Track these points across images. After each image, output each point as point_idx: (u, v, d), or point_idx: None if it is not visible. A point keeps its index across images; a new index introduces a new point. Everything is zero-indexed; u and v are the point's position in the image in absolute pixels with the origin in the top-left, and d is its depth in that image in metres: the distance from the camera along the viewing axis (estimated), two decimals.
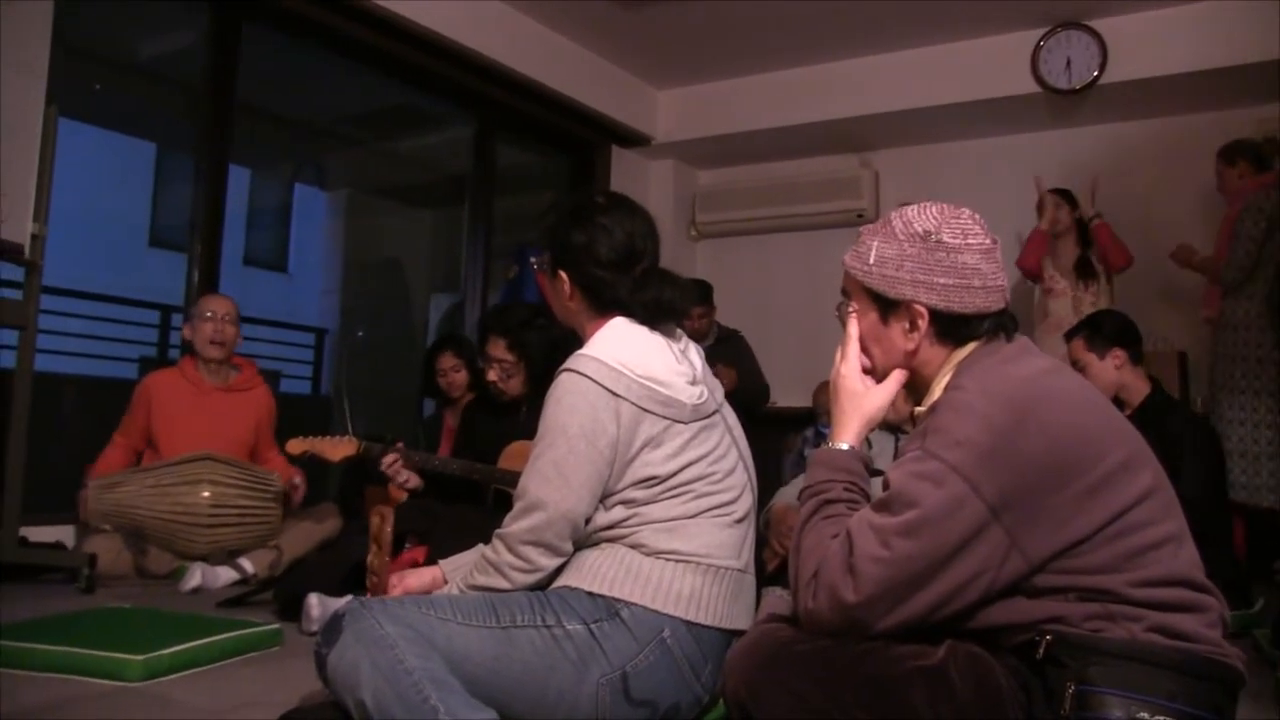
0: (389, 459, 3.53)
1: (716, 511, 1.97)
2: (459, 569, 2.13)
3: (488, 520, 2.07)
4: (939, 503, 1.42)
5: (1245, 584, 3.69)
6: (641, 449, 1.92)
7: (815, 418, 5.80)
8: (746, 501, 2.04)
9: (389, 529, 2.25)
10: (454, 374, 4.38)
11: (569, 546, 1.94)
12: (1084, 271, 5.31)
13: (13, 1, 3.55)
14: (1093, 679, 1.38)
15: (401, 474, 3.53)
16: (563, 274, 2.10)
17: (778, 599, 2.68)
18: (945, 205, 1.65)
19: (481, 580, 1.95)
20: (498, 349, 3.52)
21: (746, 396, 5.56)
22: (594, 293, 2.07)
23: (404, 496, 3.71)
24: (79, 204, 9.49)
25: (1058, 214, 5.39)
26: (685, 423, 1.95)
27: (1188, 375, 5.48)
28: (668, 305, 2.07)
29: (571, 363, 1.95)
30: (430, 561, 2.52)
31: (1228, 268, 4.78)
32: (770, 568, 2.99)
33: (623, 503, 1.94)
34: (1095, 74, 5.52)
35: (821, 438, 5.20)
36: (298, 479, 4.30)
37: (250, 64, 5.08)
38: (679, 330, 2.14)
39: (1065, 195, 5.43)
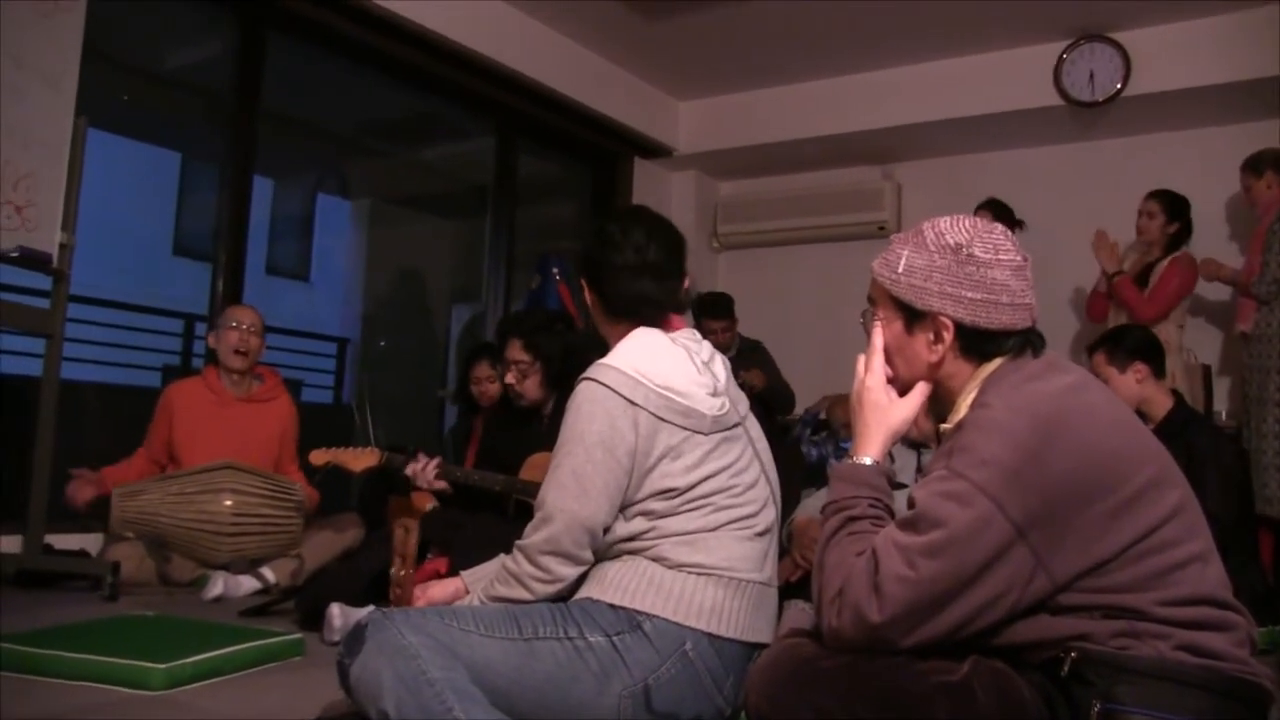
0: (417, 463, 3.55)
1: (738, 524, 1.96)
2: (480, 580, 2.13)
3: (510, 531, 2.07)
4: (965, 523, 1.41)
5: (1273, 600, 3.65)
6: (660, 459, 1.93)
7: (832, 430, 5.78)
8: (769, 515, 2.04)
9: (414, 541, 2.26)
10: (488, 384, 4.39)
11: (589, 555, 1.95)
12: (1146, 283, 5.21)
13: (44, 14, 3.58)
14: (1119, 697, 1.37)
15: (429, 471, 3.54)
16: (583, 283, 2.17)
17: (800, 612, 2.68)
18: (978, 219, 1.64)
19: (502, 591, 1.96)
20: (514, 350, 3.53)
21: (772, 399, 5.60)
22: (606, 300, 2.13)
23: (428, 506, 3.71)
24: (104, 213, 9.57)
25: (1148, 225, 5.16)
26: (705, 434, 1.96)
27: (1211, 389, 5.43)
28: (642, 298, 2.09)
29: (590, 372, 1.97)
30: (453, 572, 2.53)
31: (1260, 280, 4.72)
32: (793, 579, 2.98)
33: (642, 514, 1.94)
34: (1118, 86, 5.50)
35: (843, 450, 5.18)
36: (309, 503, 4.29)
37: (275, 74, 5.12)
38: (706, 342, 2.15)
39: (1165, 202, 5.16)
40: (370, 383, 9.46)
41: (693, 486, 1.93)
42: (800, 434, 5.78)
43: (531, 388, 3.53)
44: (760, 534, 2.00)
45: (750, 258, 7.40)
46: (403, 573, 2.26)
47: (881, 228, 6.63)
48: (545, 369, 3.50)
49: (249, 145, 4.97)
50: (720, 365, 2.13)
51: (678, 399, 1.94)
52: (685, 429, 1.94)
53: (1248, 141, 5.26)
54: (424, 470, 3.55)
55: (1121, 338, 3.88)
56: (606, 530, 1.95)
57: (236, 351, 4.29)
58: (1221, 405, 5.57)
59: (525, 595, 1.93)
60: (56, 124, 3.67)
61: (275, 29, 5.05)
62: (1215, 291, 5.46)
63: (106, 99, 7.99)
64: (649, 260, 2.09)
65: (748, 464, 2.03)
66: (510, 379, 3.55)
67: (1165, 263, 5.09)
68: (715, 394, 2.02)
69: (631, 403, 1.91)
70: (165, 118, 9.93)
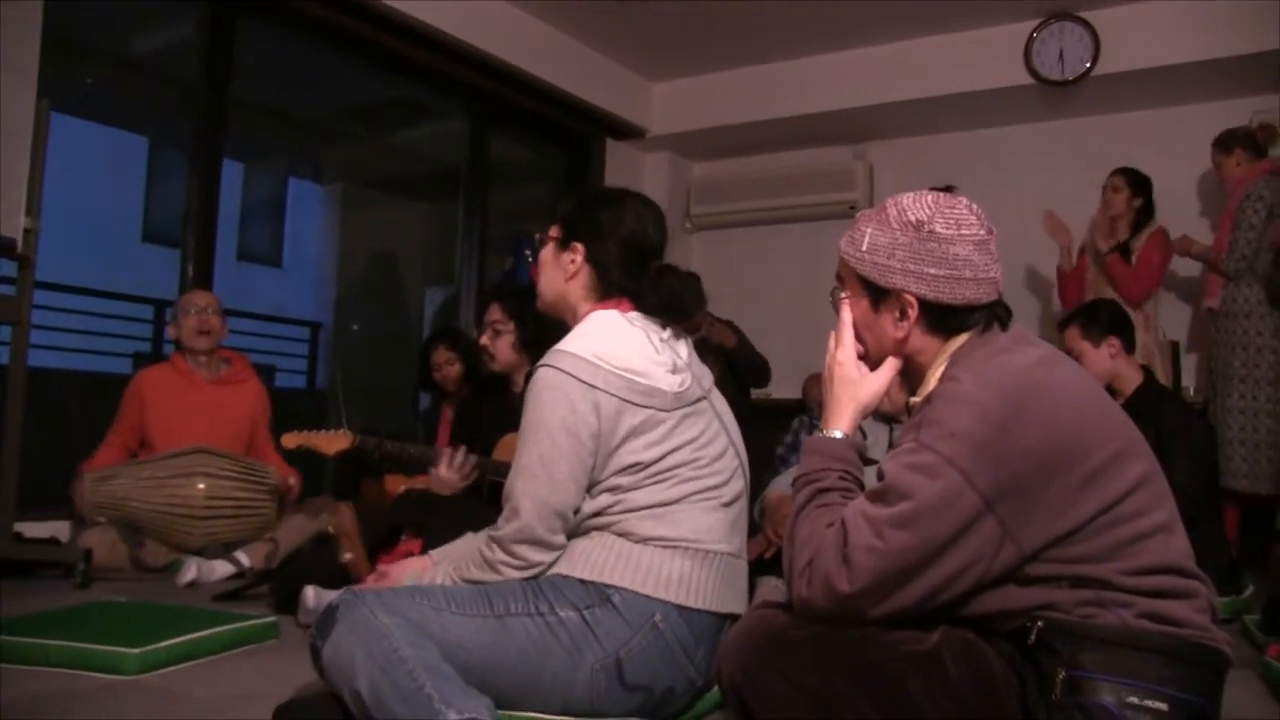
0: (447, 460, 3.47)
1: (703, 495, 1.97)
2: (447, 558, 2.13)
3: (484, 512, 2.08)
4: (933, 495, 1.43)
5: (1236, 570, 3.71)
6: (625, 440, 1.93)
7: (807, 410, 5.80)
8: (737, 485, 2.05)
9: (349, 520, 2.25)
10: (448, 367, 4.39)
11: (562, 540, 1.95)
12: (1100, 261, 5.23)
13: None
14: (1084, 664, 1.39)
15: (465, 466, 3.46)
16: (578, 246, 2.10)
17: (773, 588, 2.70)
18: (942, 194, 1.64)
19: (477, 575, 1.97)
20: (493, 312, 3.53)
21: (746, 368, 5.62)
22: (604, 272, 2.09)
23: (401, 488, 3.71)
24: (72, 199, 9.49)
25: (1113, 198, 5.20)
26: (668, 411, 1.96)
27: (1179, 365, 5.49)
28: (677, 304, 2.08)
29: (548, 359, 1.96)
30: (426, 552, 2.53)
31: (1230, 257, 4.78)
32: (766, 555, 3.00)
33: (608, 490, 1.95)
34: (1088, 65, 5.52)
35: (815, 427, 5.18)
36: (292, 480, 4.30)
37: (244, 58, 5.07)
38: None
39: (1130, 177, 5.20)
40: (344, 367, 9.43)
41: (658, 460, 1.94)
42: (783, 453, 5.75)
43: (504, 348, 3.52)
44: (727, 504, 2.01)
45: (723, 238, 7.41)
46: (349, 555, 2.26)
47: (853, 207, 6.64)
48: (519, 331, 3.49)
49: (218, 129, 4.93)
50: (682, 342, 2.13)
51: (638, 379, 1.94)
52: (648, 408, 1.94)
53: (1218, 120, 5.31)
54: (459, 465, 3.46)
55: (1095, 312, 3.90)
56: (576, 512, 1.96)
57: (200, 332, 4.29)
58: (1189, 381, 5.63)
59: (499, 580, 1.94)
60: (18, 108, 3.61)
61: (244, 12, 5.00)
62: (1184, 267, 5.51)
63: (72, 83, 7.91)
64: (661, 251, 2.11)
65: (713, 436, 2.04)
66: (485, 339, 3.54)
67: (1144, 239, 5.11)
68: (675, 370, 2.02)
69: (592, 386, 1.91)
70: (132, 102, 9.84)
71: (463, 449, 3.46)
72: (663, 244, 2.14)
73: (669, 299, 2.07)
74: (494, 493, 3.40)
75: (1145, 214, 5.19)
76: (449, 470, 3.43)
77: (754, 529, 2.85)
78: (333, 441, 3.54)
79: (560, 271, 2.13)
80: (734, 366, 5.46)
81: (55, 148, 3.85)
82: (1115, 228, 5.23)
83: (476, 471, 3.41)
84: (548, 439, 1.91)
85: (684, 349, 2.11)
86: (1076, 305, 5.18)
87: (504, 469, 3.27)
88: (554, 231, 2.15)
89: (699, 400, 2.04)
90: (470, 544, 2.07)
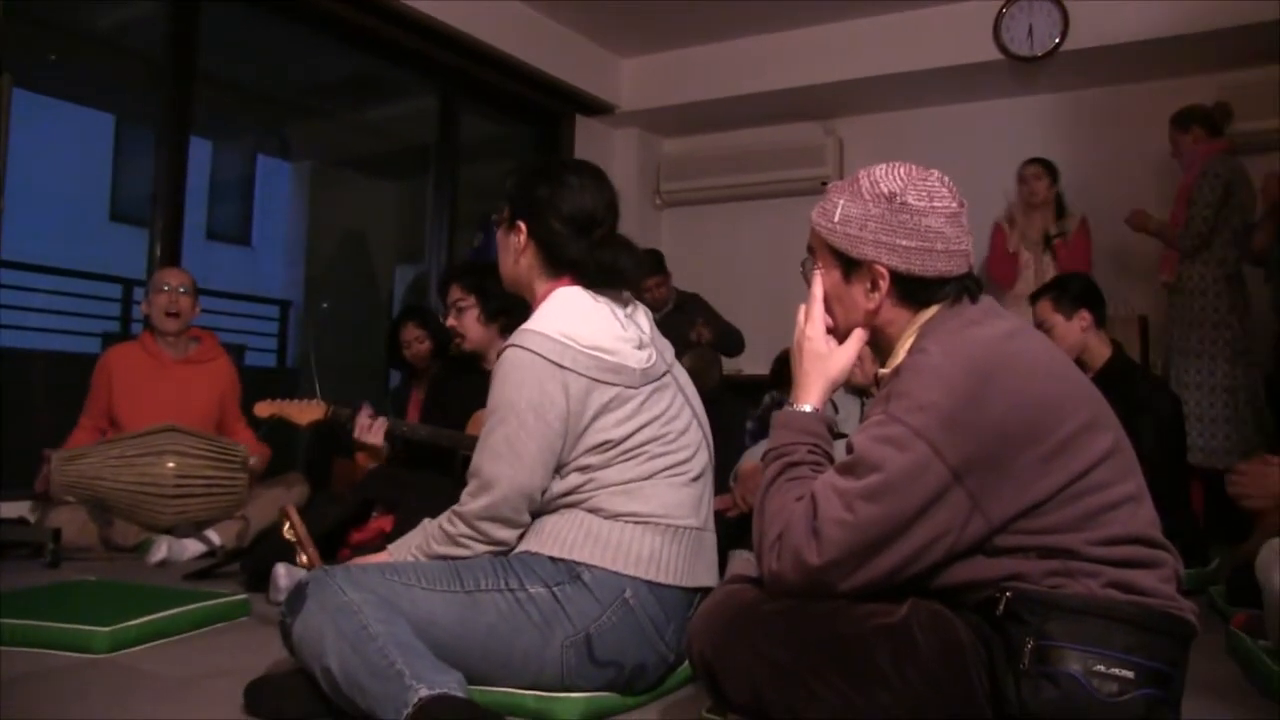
0: (362, 417, 3.52)
1: (671, 471, 1.98)
2: (404, 547, 2.11)
3: (456, 488, 2.07)
4: (902, 467, 1.43)
5: (1203, 543, 3.75)
6: (594, 418, 1.93)
7: (777, 384, 5.81)
8: (702, 459, 2.06)
9: (298, 523, 2.24)
10: (417, 345, 4.37)
11: (526, 518, 1.96)
12: (1050, 244, 5.33)
13: None
14: (1051, 633, 1.40)
15: (377, 430, 3.52)
16: (520, 225, 2.09)
17: (745, 562, 2.71)
18: (914, 167, 1.63)
19: (441, 551, 1.96)
20: (453, 292, 3.51)
21: (724, 343, 5.71)
22: (548, 249, 2.07)
23: (372, 465, 3.70)
24: (37, 178, 9.36)
25: (1037, 185, 5.39)
26: (635, 387, 1.96)
27: (1148, 340, 5.53)
28: (620, 272, 2.07)
29: (516, 338, 1.95)
30: (398, 529, 2.52)
31: (1185, 234, 4.83)
32: (730, 514, 3.03)
33: (578, 470, 1.95)
34: (1057, 41, 5.54)
35: (785, 402, 5.19)
36: (254, 460, 4.25)
37: (211, 33, 5.01)
38: (625, 293, 2.13)
39: (1047, 166, 5.43)
40: (315, 344, 9.38)
41: (627, 438, 1.94)
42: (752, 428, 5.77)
43: (470, 323, 3.50)
44: (694, 479, 2.02)
45: (693, 214, 7.40)
46: (304, 558, 2.24)
47: (824, 183, 6.59)
48: (482, 304, 3.47)
49: (185, 106, 4.86)
50: (643, 316, 2.13)
51: (606, 357, 1.94)
52: (616, 385, 1.94)
53: (1184, 96, 5.33)
54: (371, 429, 3.53)
55: (1067, 285, 3.92)
56: (544, 492, 1.96)
57: (168, 313, 4.24)
58: (1159, 356, 5.67)
59: (465, 554, 1.94)
60: None
61: None
62: (1147, 242, 5.54)
63: (36, 60, 7.80)
64: (604, 219, 2.08)
65: (678, 411, 2.04)
66: (450, 321, 3.53)
67: (1077, 224, 5.33)
68: (641, 346, 2.02)
69: (560, 367, 1.90)
70: (98, 78, 9.72)
71: (381, 419, 3.50)
72: (607, 211, 2.10)
73: (608, 268, 2.05)
74: (466, 468, 3.40)
75: (1061, 198, 5.44)
76: (368, 435, 3.47)
77: (721, 487, 2.87)
78: (305, 411, 3.53)
79: (510, 252, 2.13)
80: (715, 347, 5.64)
81: (20, 125, 3.80)
82: (1040, 214, 5.40)
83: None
84: (515, 420, 1.90)
85: (646, 322, 2.11)
86: (1009, 287, 5.38)
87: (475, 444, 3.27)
88: (503, 212, 2.14)
89: (664, 374, 2.04)
90: (426, 532, 2.06)
